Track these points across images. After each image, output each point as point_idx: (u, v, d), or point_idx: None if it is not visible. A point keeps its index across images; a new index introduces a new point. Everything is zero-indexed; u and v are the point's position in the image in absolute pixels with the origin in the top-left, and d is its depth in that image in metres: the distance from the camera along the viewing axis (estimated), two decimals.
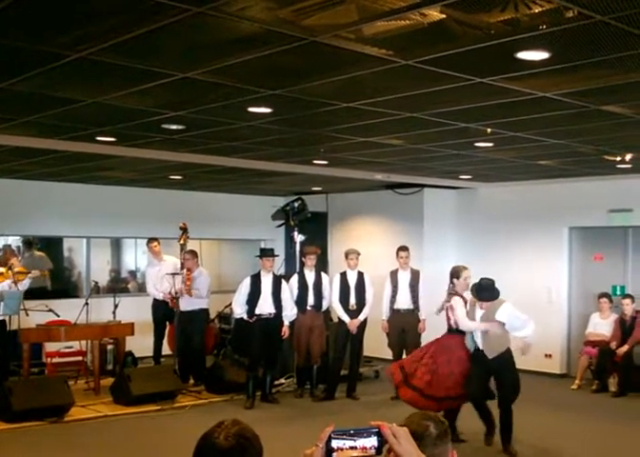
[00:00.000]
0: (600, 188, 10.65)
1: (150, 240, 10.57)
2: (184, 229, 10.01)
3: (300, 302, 9.42)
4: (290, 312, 9.21)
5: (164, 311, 10.22)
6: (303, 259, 9.73)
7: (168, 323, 10.41)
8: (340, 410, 8.71)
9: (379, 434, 1.87)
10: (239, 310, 9.13)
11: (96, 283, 11.04)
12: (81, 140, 7.59)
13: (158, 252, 10.53)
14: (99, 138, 7.50)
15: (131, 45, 4.10)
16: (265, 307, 9.01)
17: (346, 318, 9.38)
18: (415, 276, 9.57)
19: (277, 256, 9.56)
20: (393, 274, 9.62)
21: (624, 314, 9.96)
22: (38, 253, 12.00)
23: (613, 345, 9.83)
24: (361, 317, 9.42)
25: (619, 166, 9.20)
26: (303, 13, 3.59)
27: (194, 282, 9.79)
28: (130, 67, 4.61)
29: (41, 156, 8.65)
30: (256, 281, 9.12)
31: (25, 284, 9.16)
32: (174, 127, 6.77)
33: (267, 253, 9.32)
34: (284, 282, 9.30)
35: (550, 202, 11.19)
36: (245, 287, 9.12)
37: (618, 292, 10.55)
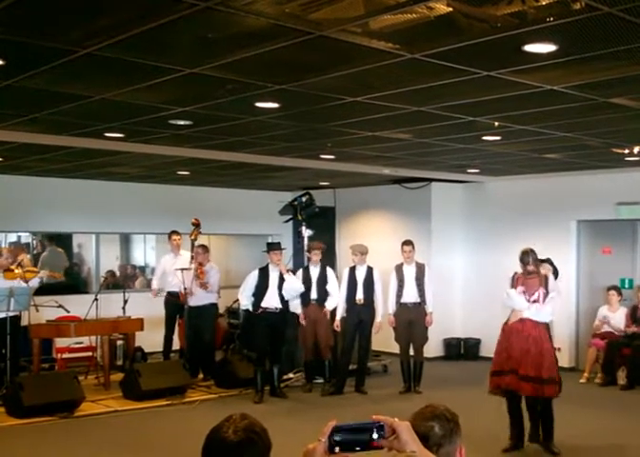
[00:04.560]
0: (608, 181, 10.61)
1: (172, 233, 10.62)
2: (196, 225, 10.02)
3: (303, 296, 9.46)
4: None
5: (175, 306, 10.25)
6: (308, 255, 9.77)
7: (178, 317, 10.44)
8: (348, 405, 8.72)
9: (381, 428, 1.88)
10: (245, 302, 9.21)
11: (106, 278, 11.07)
12: (89, 136, 7.62)
13: (178, 246, 10.59)
14: (107, 134, 7.52)
15: (139, 40, 4.12)
16: (272, 301, 9.03)
17: (338, 315, 9.43)
18: (421, 270, 9.57)
19: (284, 249, 9.50)
20: (399, 268, 9.62)
21: (639, 302, 9.99)
22: (58, 249, 12.15)
23: (628, 329, 9.86)
24: (378, 318, 9.44)
25: (627, 158, 9.18)
26: (310, 7, 3.60)
27: (207, 275, 9.84)
28: (138, 62, 4.63)
29: (49, 153, 8.69)
30: (264, 274, 9.14)
31: (34, 282, 9.21)
32: (182, 122, 6.79)
33: (274, 247, 9.29)
34: (290, 274, 9.30)
35: (558, 195, 11.17)
36: (252, 278, 9.16)
37: (627, 285, 10.53)
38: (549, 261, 7.64)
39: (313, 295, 9.50)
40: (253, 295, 9.10)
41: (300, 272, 9.64)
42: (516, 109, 6.15)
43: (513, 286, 6.82)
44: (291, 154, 9.17)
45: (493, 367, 6.86)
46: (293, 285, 9.11)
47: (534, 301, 6.68)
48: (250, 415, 2.26)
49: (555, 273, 7.68)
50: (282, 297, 9.07)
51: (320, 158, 9.47)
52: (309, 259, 9.76)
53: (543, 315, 6.72)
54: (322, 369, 9.61)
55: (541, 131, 7.25)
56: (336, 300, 9.50)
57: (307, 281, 9.52)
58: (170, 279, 10.32)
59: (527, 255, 6.80)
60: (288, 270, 9.25)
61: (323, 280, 9.55)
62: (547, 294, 6.71)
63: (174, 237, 10.57)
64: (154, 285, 10.61)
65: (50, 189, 11.38)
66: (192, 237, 10.01)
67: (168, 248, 10.98)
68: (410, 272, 9.54)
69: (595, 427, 7.77)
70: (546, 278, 6.81)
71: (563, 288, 10.63)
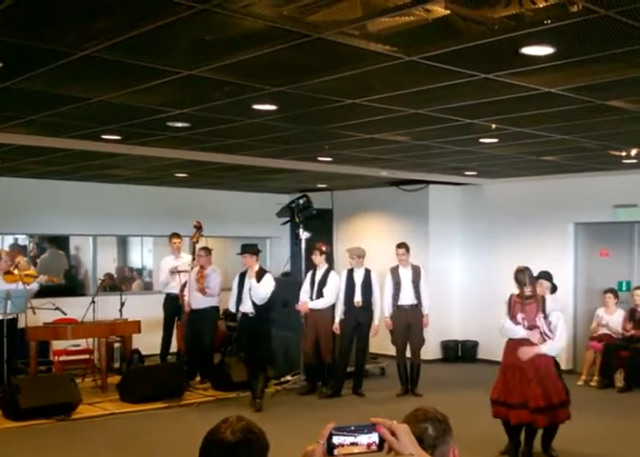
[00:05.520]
0: (605, 184, 10.63)
1: (173, 235, 10.60)
2: (198, 228, 9.99)
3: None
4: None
5: (174, 309, 10.24)
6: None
7: (177, 319, 10.42)
8: (346, 407, 8.71)
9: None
10: (230, 305, 9.14)
11: (103, 281, 11.05)
12: (86, 138, 7.61)
13: (178, 249, 10.57)
14: (104, 136, 7.52)
15: (136, 43, 4.12)
16: (246, 305, 8.75)
17: (337, 317, 9.37)
18: (417, 272, 9.58)
19: (253, 253, 8.76)
20: (394, 271, 9.62)
21: (636, 305, 9.98)
22: (59, 252, 12.17)
23: (626, 331, 9.86)
24: (376, 321, 9.43)
25: (624, 161, 9.19)
26: (307, 10, 3.60)
27: (206, 279, 9.81)
28: (136, 64, 4.62)
29: (47, 155, 8.68)
30: (242, 278, 8.89)
31: (34, 286, 9.21)
32: (179, 124, 6.79)
33: (243, 250, 8.80)
34: (265, 278, 8.70)
35: (556, 198, 11.18)
36: (234, 283, 9.03)
37: (624, 287, 10.54)
38: (545, 276, 7.14)
39: (313, 298, 9.45)
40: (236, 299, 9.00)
41: (309, 275, 9.59)
42: (514, 111, 6.15)
43: (511, 310, 6.62)
44: (289, 157, 9.17)
45: (494, 394, 6.66)
46: (256, 291, 8.63)
47: (534, 327, 6.50)
48: (246, 417, 2.27)
49: (554, 289, 7.39)
50: (254, 302, 8.69)
51: (318, 160, 9.47)
52: (310, 261, 9.72)
53: (555, 349, 6.63)
54: (321, 372, 9.58)
55: (538, 134, 7.26)
56: (325, 302, 9.38)
57: (310, 284, 9.50)
58: (169, 281, 10.31)
59: (522, 274, 6.60)
60: (263, 272, 8.74)
61: (324, 284, 9.46)
62: (546, 317, 6.50)
63: (175, 240, 10.56)
64: (164, 287, 10.50)
65: (48, 192, 11.36)
66: (194, 240, 9.98)
67: (165, 251, 10.97)
68: (406, 275, 9.54)
69: (593, 429, 7.77)
70: (543, 300, 6.60)
71: (562, 290, 10.63)
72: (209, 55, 4.45)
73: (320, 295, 9.46)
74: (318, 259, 9.50)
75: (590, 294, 10.97)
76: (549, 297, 6.77)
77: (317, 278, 9.51)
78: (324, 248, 9.59)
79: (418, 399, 9.13)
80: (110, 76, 5.01)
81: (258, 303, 8.64)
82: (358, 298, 9.40)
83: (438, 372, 10.92)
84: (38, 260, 12.13)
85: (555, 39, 4.07)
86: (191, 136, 7.45)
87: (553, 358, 6.70)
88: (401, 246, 9.61)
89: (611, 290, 10.30)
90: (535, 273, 6.82)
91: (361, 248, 9.71)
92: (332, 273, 9.59)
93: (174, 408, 8.59)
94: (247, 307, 8.75)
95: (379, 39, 4.09)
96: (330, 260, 9.85)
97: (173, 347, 10.73)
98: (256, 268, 8.73)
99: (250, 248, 8.82)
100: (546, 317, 6.53)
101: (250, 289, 8.68)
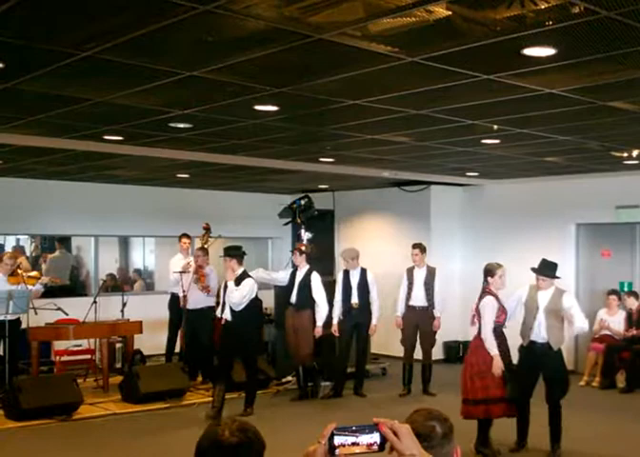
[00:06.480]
0: (607, 185, 10.62)
1: (182, 236, 10.55)
2: (207, 229, 9.98)
3: (285, 299, 9.34)
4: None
5: (179, 308, 10.23)
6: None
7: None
8: (347, 407, 8.71)
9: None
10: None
11: (105, 281, 11.05)
12: (88, 139, 7.62)
13: (186, 249, 10.57)
14: (106, 137, 7.52)
15: (138, 43, 4.12)
16: (225, 310, 8.42)
17: (335, 318, 9.24)
18: (431, 273, 9.54)
19: (233, 256, 8.33)
20: (409, 271, 9.62)
21: (630, 309, 9.97)
22: (68, 253, 12.24)
23: (628, 333, 9.85)
24: (374, 321, 9.34)
25: (626, 162, 9.19)
26: (309, 11, 3.60)
27: (207, 278, 9.81)
28: (138, 65, 4.63)
29: (49, 155, 8.68)
30: (225, 284, 8.55)
31: (38, 289, 9.21)
32: (181, 125, 6.79)
33: (224, 252, 8.46)
34: (243, 283, 8.22)
35: (557, 199, 11.17)
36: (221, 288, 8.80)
37: (626, 288, 10.53)
38: (538, 271, 7.07)
39: (292, 299, 9.16)
40: None
41: (289, 272, 9.37)
42: (515, 112, 6.15)
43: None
44: (291, 157, 9.17)
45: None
46: (230, 295, 8.22)
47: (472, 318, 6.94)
48: (238, 417, 2.28)
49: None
50: (231, 307, 8.31)
51: (319, 161, 9.47)
52: (293, 262, 9.59)
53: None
54: (310, 375, 9.38)
55: (540, 135, 7.26)
56: (325, 313, 9.05)
57: (290, 284, 9.24)
58: (179, 280, 10.29)
59: (484, 271, 7.09)
60: (243, 277, 8.27)
61: (304, 285, 9.13)
62: (478, 316, 6.97)
63: (184, 240, 10.54)
64: (173, 286, 10.34)
65: (50, 192, 11.37)
66: (203, 241, 9.97)
67: (167, 251, 10.96)
68: (419, 276, 9.53)
69: (595, 430, 7.77)
70: (480, 297, 6.90)
71: None
72: (210, 56, 4.45)
73: (303, 296, 9.07)
74: (298, 259, 9.23)
75: (591, 295, 10.95)
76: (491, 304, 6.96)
77: (297, 279, 9.19)
78: (303, 248, 9.30)
79: (428, 398, 9.10)
80: (112, 77, 5.01)
81: (233, 308, 8.26)
82: (355, 300, 9.34)
83: (440, 373, 10.89)
84: (48, 259, 12.18)
85: (557, 40, 4.07)
86: (193, 137, 7.45)
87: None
88: (415, 246, 9.57)
89: (614, 292, 10.29)
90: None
91: (354, 249, 9.62)
92: (315, 276, 9.15)
93: (176, 409, 8.59)
94: (226, 313, 8.38)
95: (381, 40, 4.09)
96: (330, 260, 9.76)
97: (177, 348, 10.72)
98: (239, 271, 8.31)
99: (230, 251, 8.43)
100: (478, 315, 7.07)
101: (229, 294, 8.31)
